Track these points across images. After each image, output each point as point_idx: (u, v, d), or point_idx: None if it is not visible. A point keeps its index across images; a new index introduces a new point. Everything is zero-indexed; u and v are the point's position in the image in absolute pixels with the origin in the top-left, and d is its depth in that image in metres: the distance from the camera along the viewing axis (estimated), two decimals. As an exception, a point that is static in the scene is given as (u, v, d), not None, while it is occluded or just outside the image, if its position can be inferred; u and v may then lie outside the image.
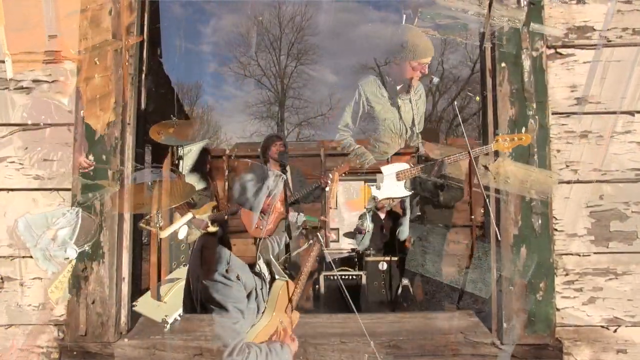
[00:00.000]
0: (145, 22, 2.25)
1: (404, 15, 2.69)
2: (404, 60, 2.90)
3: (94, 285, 1.95)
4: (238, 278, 1.93)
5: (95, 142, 1.99)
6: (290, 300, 2.10)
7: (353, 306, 1.90)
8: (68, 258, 1.96)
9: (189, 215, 3.17)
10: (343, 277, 4.29)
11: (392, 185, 2.79)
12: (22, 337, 1.97)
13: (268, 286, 2.15)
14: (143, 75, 2.30)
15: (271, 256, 2.30)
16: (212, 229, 2.14)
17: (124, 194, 2.03)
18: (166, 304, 2.31)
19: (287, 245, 3.53)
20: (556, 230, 1.96)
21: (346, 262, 5.31)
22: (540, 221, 1.93)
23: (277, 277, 2.22)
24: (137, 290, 2.24)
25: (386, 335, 1.97)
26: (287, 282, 2.16)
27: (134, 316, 2.12)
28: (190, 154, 4.26)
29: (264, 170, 3.92)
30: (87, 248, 1.96)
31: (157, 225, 2.83)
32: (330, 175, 2.56)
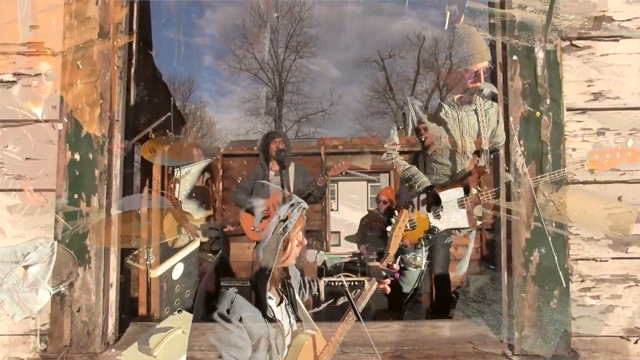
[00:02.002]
0: (135, 14, 2.24)
1: (448, 13, 2.34)
2: (465, 66, 2.59)
3: (79, 292, 1.93)
4: (241, 321, 1.69)
5: (81, 140, 1.98)
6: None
7: (360, 315, 1.79)
8: (39, 302, 1.77)
9: (190, 249, 3.03)
10: (345, 283, 4.27)
11: (455, 213, 2.55)
12: (1, 348, 1.94)
13: (288, 337, 1.82)
14: (132, 69, 2.28)
15: (297, 297, 1.94)
16: (201, 239, 1.98)
17: (110, 224, 1.90)
18: (156, 358, 2.01)
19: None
20: (571, 234, 1.95)
21: (348, 267, 5.29)
22: (554, 224, 1.92)
23: (304, 326, 1.86)
24: (125, 298, 2.23)
25: (390, 345, 1.96)
26: (314, 335, 1.80)
27: (123, 325, 2.11)
28: (188, 176, 3.85)
29: (264, 170, 3.91)
30: (63, 289, 1.81)
31: (147, 262, 2.68)
32: (397, 213, 2.08)
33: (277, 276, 1.89)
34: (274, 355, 1.73)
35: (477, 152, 2.75)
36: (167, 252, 3.08)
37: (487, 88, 2.52)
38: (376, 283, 1.89)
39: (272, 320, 1.78)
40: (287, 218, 1.88)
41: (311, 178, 3.98)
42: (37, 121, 2.00)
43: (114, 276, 2.03)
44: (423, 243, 2.89)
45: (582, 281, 1.95)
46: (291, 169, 3.93)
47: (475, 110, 2.69)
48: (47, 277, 1.76)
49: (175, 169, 3.73)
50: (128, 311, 2.24)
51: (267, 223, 3.97)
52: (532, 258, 1.92)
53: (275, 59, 22.30)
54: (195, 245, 3.20)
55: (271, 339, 1.74)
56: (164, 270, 2.85)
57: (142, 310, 2.59)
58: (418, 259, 3.07)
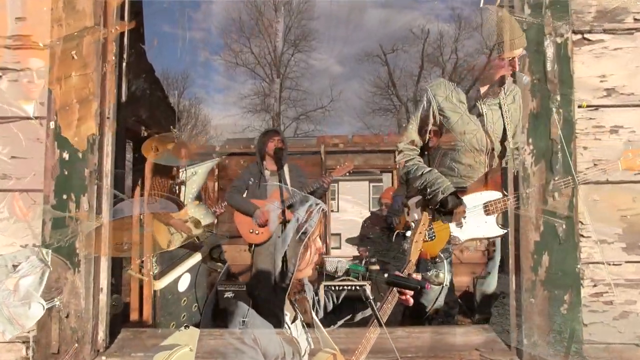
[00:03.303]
0: (126, 6, 2.23)
1: None
2: (496, 55, 2.40)
3: (68, 297, 1.92)
4: (255, 342, 1.58)
5: (52, 213, 1.93)
6: None
7: (381, 320, 1.68)
8: (32, 317, 1.69)
9: (196, 258, 2.89)
10: (345, 287, 4.26)
11: (479, 221, 2.33)
12: (-16, 356, 1.93)
13: (305, 357, 1.73)
14: (124, 64, 2.28)
15: (314, 316, 1.83)
16: (194, 232, 1.92)
17: (102, 231, 1.83)
18: None
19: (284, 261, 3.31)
20: (582, 236, 1.95)
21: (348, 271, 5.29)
22: (564, 226, 1.92)
23: (322, 347, 1.74)
24: (116, 303, 2.22)
25: (393, 352, 1.96)
26: (334, 355, 1.68)
27: (113, 331, 2.10)
28: (195, 177, 3.68)
29: (260, 169, 3.90)
30: (57, 303, 1.76)
31: (152, 272, 2.58)
32: (416, 216, 2.03)
33: (293, 289, 1.78)
34: None
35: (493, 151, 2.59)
36: (171, 261, 2.96)
37: (525, 77, 2.27)
38: (397, 295, 1.76)
39: (288, 340, 1.67)
40: (306, 220, 1.78)
41: (305, 179, 3.99)
42: (26, 118, 1.99)
43: (104, 281, 2.03)
44: (443, 257, 2.64)
45: (594, 286, 1.94)
46: (286, 168, 3.92)
47: (499, 105, 2.52)
48: (40, 289, 1.70)
49: (181, 170, 3.59)
50: (119, 317, 2.23)
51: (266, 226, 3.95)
52: (541, 261, 1.92)
53: (273, 53, 22.32)
54: (197, 258, 3.10)
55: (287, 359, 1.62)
56: (169, 281, 2.75)
57: (134, 316, 2.58)
58: (441, 275, 2.79)
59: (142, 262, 2.60)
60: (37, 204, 1.96)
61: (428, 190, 2.52)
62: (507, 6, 2.04)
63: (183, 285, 2.73)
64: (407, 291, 1.76)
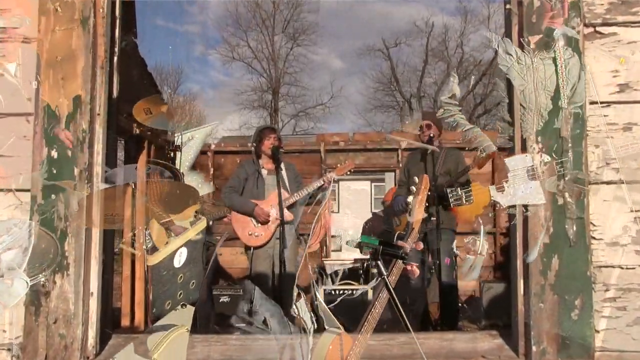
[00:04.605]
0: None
1: None
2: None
3: (56, 302, 1.92)
4: (265, 324, 1.65)
5: (41, 182, 1.93)
6: None
7: (408, 324, 1.67)
8: (15, 295, 1.65)
9: (195, 230, 2.80)
10: (346, 292, 4.27)
11: (524, 186, 2.20)
12: (-33, 363, 1.92)
13: (311, 338, 1.76)
14: (115, 58, 2.27)
15: (318, 295, 1.89)
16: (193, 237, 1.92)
17: (94, 202, 1.83)
18: None
19: (282, 262, 3.30)
20: (594, 238, 1.94)
21: (350, 274, 5.30)
22: (575, 228, 1.91)
23: (326, 326, 1.79)
24: (107, 308, 2.22)
25: (396, 359, 1.96)
26: (340, 335, 1.74)
27: (104, 337, 2.10)
28: (191, 143, 3.56)
29: (256, 167, 3.90)
30: (43, 279, 1.74)
31: (145, 247, 2.53)
32: (417, 180, 1.93)
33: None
34: None
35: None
36: (179, 208, 2.85)
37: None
38: (403, 266, 1.78)
39: (293, 320, 1.69)
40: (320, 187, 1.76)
41: (301, 179, 4.00)
42: (14, 114, 1.98)
43: (94, 285, 2.02)
44: (481, 222, 2.50)
45: (607, 290, 1.94)
46: (282, 167, 3.92)
47: (554, 59, 2.31)
48: (24, 265, 1.65)
49: (176, 135, 3.45)
50: (110, 322, 2.22)
51: (264, 228, 3.96)
52: (551, 264, 1.91)
53: (271, 47, 22.33)
54: (202, 226, 3.02)
55: (295, 343, 1.65)
56: (164, 256, 2.69)
57: (125, 322, 2.57)
58: (477, 243, 2.72)
59: (134, 235, 2.52)
60: (24, 203, 1.95)
61: (466, 148, 2.35)
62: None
63: (180, 261, 2.65)
64: (412, 262, 1.76)
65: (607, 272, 1.94)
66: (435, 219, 3.56)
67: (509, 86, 2.08)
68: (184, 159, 3.41)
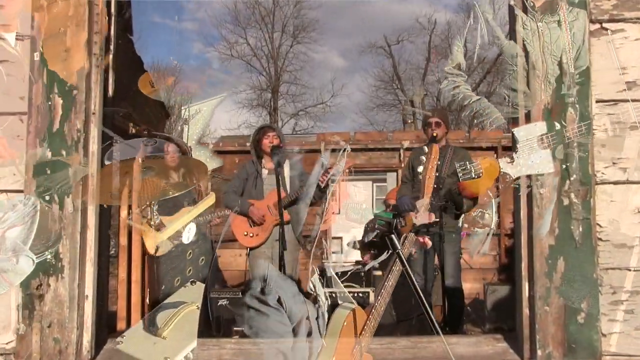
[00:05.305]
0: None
1: None
2: None
3: (50, 306, 1.92)
4: (279, 302, 1.63)
5: (53, 135, 1.96)
6: (359, 337, 1.72)
7: (438, 328, 1.69)
8: (21, 272, 1.67)
9: (204, 206, 2.78)
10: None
11: (534, 155, 2.16)
12: (-42, 369, 1.91)
13: (327, 316, 1.76)
14: (110, 56, 2.27)
15: (332, 271, 1.96)
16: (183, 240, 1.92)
17: (89, 201, 1.83)
18: (166, 340, 1.89)
19: (282, 265, 3.32)
20: (600, 239, 1.94)
21: (351, 277, 5.29)
22: (581, 229, 1.91)
23: (340, 302, 1.80)
24: (102, 312, 2.22)
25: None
26: (354, 310, 1.77)
27: (99, 342, 2.10)
28: (199, 116, 3.42)
29: (256, 167, 3.89)
30: (49, 256, 1.75)
31: (153, 222, 2.50)
32: (426, 149, 1.91)
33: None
34: (315, 339, 1.63)
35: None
36: (174, 209, 2.84)
37: None
38: (415, 238, 1.82)
39: (309, 296, 1.69)
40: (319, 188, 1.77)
41: (307, 178, 3.96)
42: (6, 114, 1.97)
43: (89, 288, 2.02)
44: (492, 195, 2.50)
45: (614, 293, 1.93)
46: (286, 166, 3.91)
47: (559, 22, 2.27)
48: (29, 241, 1.63)
49: (183, 107, 3.41)
50: (105, 326, 2.22)
51: (260, 228, 3.95)
52: (556, 266, 1.91)
53: (270, 44, 22.33)
54: (211, 201, 3.00)
55: (311, 320, 1.65)
56: (172, 232, 2.69)
57: (121, 326, 2.57)
58: (486, 216, 2.71)
59: (143, 211, 2.49)
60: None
61: (475, 121, 2.34)
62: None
63: (189, 236, 2.64)
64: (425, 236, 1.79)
65: (614, 274, 1.94)
66: (439, 220, 3.55)
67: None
68: (192, 133, 3.30)
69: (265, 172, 3.88)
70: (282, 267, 3.44)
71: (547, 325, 1.90)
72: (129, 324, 2.66)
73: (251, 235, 3.76)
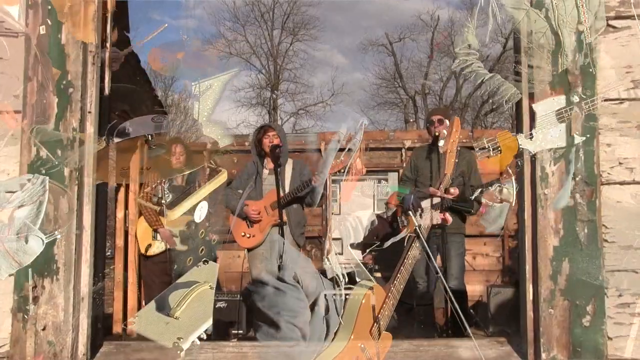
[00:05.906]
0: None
1: None
2: None
3: (45, 308, 1.92)
4: (296, 280, 1.65)
5: (48, 134, 1.96)
6: (377, 317, 1.73)
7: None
8: (31, 253, 1.62)
9: (216, 184, 2.77)
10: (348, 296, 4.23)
11: (553, 130, 2.13)
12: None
13: (344, 294, 1.78)
14: (107, 54, 2.27)
15: (350, 248, 1.99)
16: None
17: (85, 202, 1.82)
18: (179, 320, 1.91)
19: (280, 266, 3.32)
20: (606, 241, 1.94)
21: (352, 277, 5.29)
22: (586, 230, 1.91)
23: (358, 279, 1.81)
24: (98, 314, 2.22)
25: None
26: (372, 288, 1.78)
27: (95, 345, 2.10)
28: (210, 92, 3.60)
29: (257, 168, 3.89)
30: (58, 236, 1.72)
31: (163, 201, 2.47)
32: (448, 123, 1.96)
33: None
34: (332, 317, 1.64)
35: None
36: (185, 188, 2.80)
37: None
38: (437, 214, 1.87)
39: (326, 275, 1.69)
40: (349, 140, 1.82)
41: (307, 177, 3.95)
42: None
43: (85, 290, 2.02)
44: (511, 172, 2.47)
45: (620, 295, 1.93)
46: (288, 166, 3.90)
47: None
48: (39, 221, 1.61)
49: (193, 83, 3.44)
50: (101, 329, 2.22)
51: (257, 229, 3.95)
52: (561, 269, 1.91)
53: (270, 42, 22.34)
54: (223, 178, 2.98)
55: (328, 298, 1.65)
56: (184, 210, 2.67)
57: (117, 328, 2.57)
58: (505, 191, 2.67)
59: (153, 189, 2.47)
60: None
61: (490, 100, 2.33)
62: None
63: (201, 215, 2.59)
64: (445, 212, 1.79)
65: (620, 276, 1.94)
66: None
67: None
68: (202, 109, 3.32)
69: (265, 172, 3.88)
70: (280, 267, 3.44)
71: (551, 328, 1.90)
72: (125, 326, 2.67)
73: (248, 236, 3.76)
